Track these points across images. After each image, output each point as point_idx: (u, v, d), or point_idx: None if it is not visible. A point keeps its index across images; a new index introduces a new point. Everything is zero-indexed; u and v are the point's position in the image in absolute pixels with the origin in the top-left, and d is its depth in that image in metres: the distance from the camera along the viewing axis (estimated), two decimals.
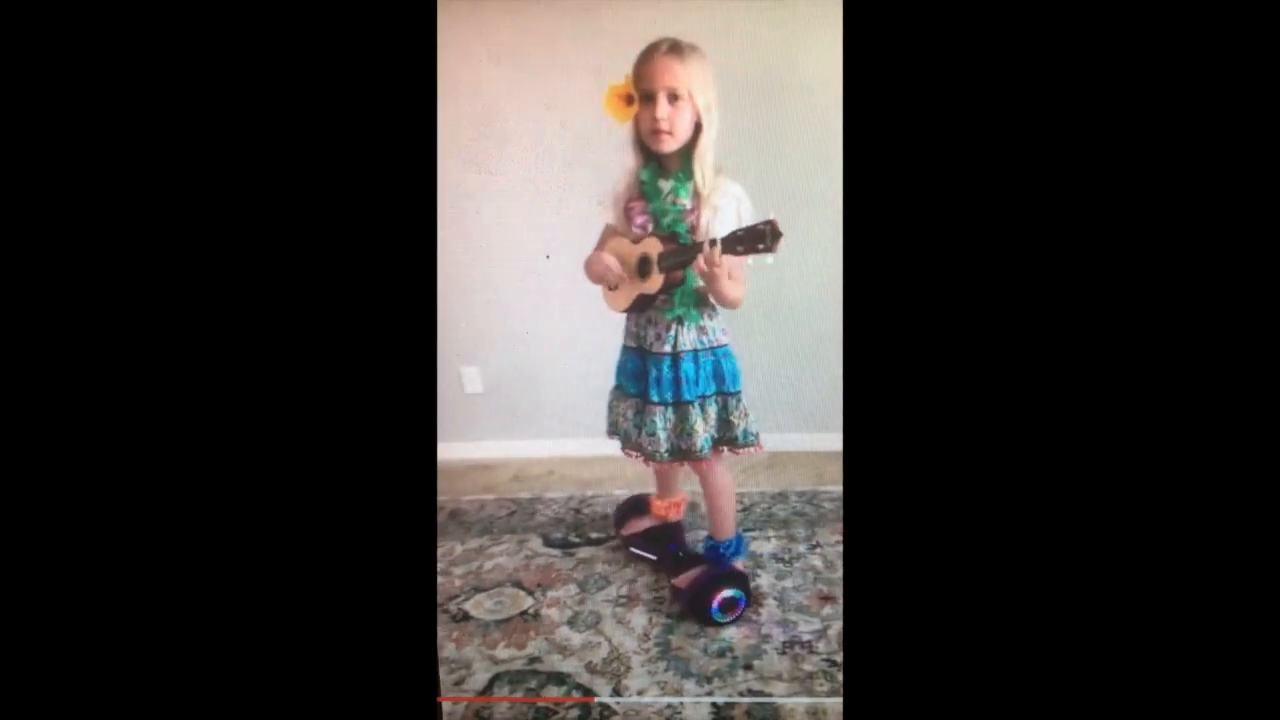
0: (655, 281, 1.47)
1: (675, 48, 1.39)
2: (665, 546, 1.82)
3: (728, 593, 1.60)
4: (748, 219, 1.47)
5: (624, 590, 1.78)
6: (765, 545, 1.95)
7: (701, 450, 1.57)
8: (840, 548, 1.93)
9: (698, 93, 1.40)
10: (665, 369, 1.54)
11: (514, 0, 2.34)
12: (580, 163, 2.31)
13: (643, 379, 1.58)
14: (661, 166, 1.49)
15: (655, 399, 1.55)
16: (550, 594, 1.78)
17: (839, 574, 1.82)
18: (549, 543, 2.03)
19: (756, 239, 1.30)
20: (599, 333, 1.75)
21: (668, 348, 1.53)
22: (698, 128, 1.43)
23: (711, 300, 1.55)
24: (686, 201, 1.47)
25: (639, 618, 1.67)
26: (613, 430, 1.72)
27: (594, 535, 2.05)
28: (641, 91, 1.41)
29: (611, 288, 1.59)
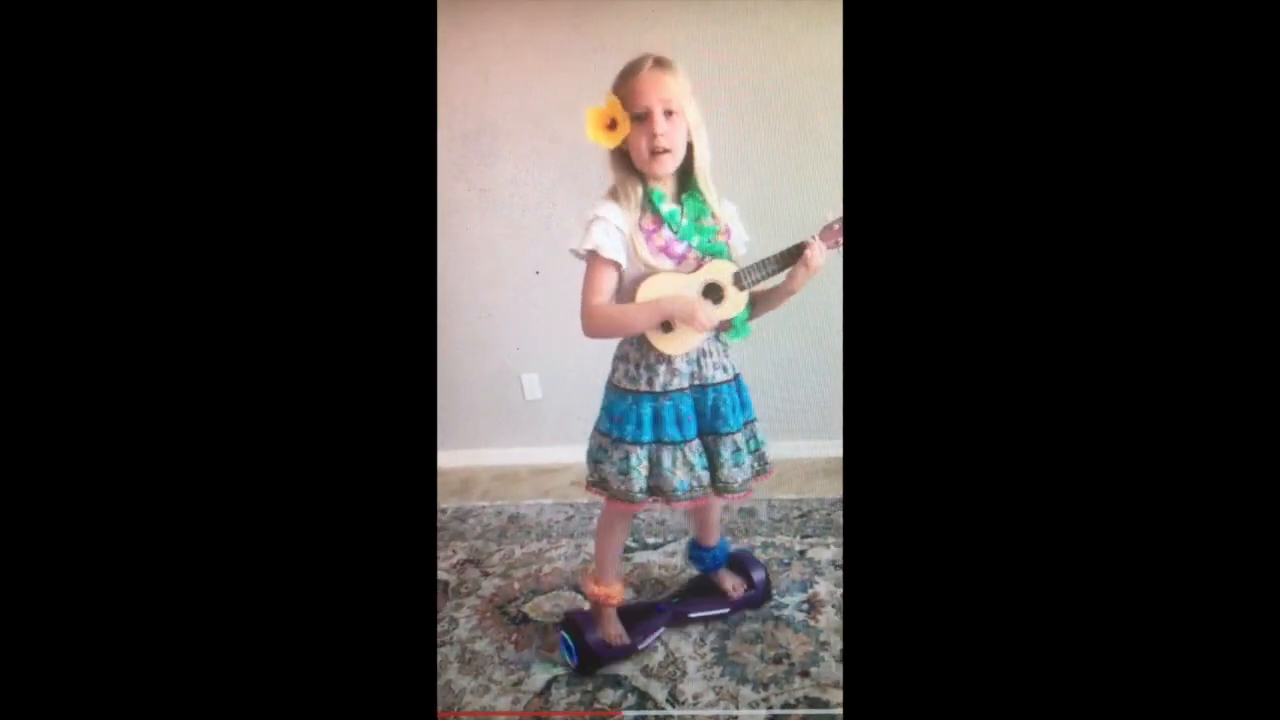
0: (739, 301, 1.41)
1: (661, 62, 1.32)
2: (653, 610, 1.70)
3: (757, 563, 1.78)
4: (744, 231, 1.49)
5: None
6: (824, 552, 1.93)
7: (770, 464, 1.56)
8: None
9: (688, 106, 1.33)
10: (732, 394, 1.49)
11: (505, 17, 2.35)
12: (569, 176, 2.31)
13: (706, 415, 1.48)
14: (662, 191, 1.39)
15: (734, 428, 1.48)
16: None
17: None
18: None
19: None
20: None
21: (731, 374, 1.49)
22: (688, 144, 1.36)
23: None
24: (712, 220, 1.42)
25: (695, 623, 1.67)
26: (650, 491, 1.47)
27: (650, 540, 2.06)
28: (633, 111, 1.31)
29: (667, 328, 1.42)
